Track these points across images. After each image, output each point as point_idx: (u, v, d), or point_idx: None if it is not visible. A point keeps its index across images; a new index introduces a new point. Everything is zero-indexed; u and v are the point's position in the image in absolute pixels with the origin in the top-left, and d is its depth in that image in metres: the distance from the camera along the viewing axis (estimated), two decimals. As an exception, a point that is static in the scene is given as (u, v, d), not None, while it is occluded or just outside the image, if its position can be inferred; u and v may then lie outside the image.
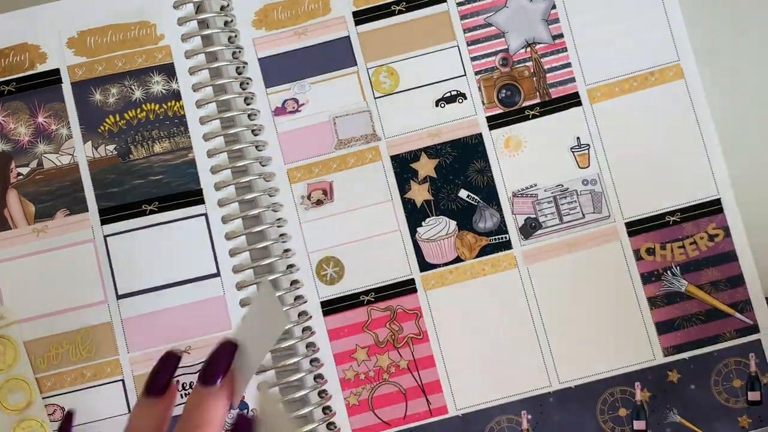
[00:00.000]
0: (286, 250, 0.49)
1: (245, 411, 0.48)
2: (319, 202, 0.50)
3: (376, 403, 0.49)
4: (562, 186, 0.49)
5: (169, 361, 0.39)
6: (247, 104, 0.50)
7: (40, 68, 0.50)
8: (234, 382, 0.38)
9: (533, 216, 0.49)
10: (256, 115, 0.50)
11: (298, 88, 0.50)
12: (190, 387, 0.48)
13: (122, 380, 0.48)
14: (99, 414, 0.48)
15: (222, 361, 0.38)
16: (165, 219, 0.49)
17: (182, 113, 0.50)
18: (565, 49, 0.50)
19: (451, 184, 0.50)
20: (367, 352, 0.49)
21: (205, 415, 0.37)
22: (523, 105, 0.50)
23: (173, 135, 0.50)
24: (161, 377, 0.39)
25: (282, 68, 0.50)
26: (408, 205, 0.50)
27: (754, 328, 0.48)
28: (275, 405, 0.40)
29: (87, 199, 0.49)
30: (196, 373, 0.48)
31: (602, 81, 0.50)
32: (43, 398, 0.48)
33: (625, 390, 0.48)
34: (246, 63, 0.50)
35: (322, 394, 0.48)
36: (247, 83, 0.50)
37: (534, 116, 0.50)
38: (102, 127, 0.50)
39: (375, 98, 0.50)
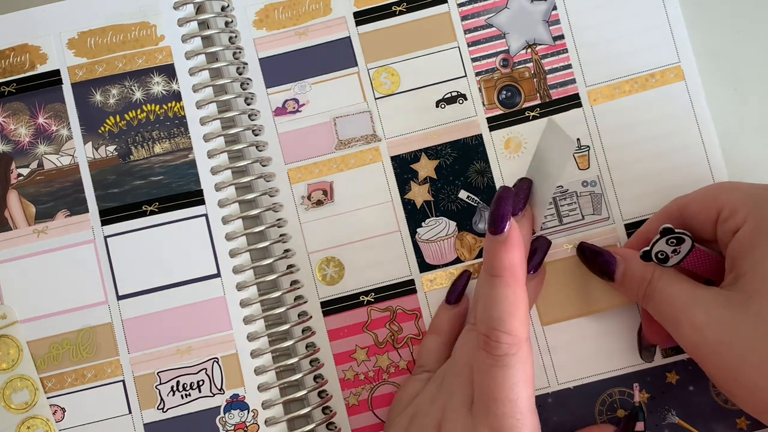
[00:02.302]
0: (287, 251, 0.49)
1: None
2: (319, 203, 0.50)
3: (375, 403, 0.49)
4: (562, 187, 0.49)
5: (462, 279, 0.48)
6: (248, 104, 0.50)
7: (41, 69, 0.50)
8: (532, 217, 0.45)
9: (533, 217, 0.49)
10: (256, 115, 0.50)
11: (298, 88, 0.50)
12: (191, 388, 0.48)
13: (123, 381, 0.48)
14: (99, 414, 0.48)
15: (506, 206, 0.42)
16: (165, 220, 0.49)
17: (182, 114, 0.50)
18: (565, 51, 0.50)
19: (451, 185, 0.50)
20: (366, 352, 0.49)
21: (501, 263, 0.41)
22: (524, 106, 0.50)
23: (173, 136, 0.50)
24: (455, 291, 0.48)
25: (283, 68, 0.50)
26: (408, 206, 0.50)
27: (753, 330, 0.48)
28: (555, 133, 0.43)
29: (87, 199, 0.49)
30: (196, 373, 0.48)
31: (603, 82, 0.50)
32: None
33: (623, 391, 0.48)
34: (246, 63, 0.50)
35: (322, 394, 0.49)
36: (248, 83, 0.50)
37: (534, 117, 0.50)
38: (102, 128, 0.50)
39: (375, 99, 0.50)
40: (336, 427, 0.48)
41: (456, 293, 0.48)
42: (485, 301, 0.41)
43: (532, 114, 0.50)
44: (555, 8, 0.50)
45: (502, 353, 0.40)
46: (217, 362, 0.48)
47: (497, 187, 0.49)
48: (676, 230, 0.41)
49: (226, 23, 0.50)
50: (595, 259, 0.46)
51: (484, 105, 0.50)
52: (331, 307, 0.49)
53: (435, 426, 0.42)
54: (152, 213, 0.49)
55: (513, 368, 0.40)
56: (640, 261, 0.44)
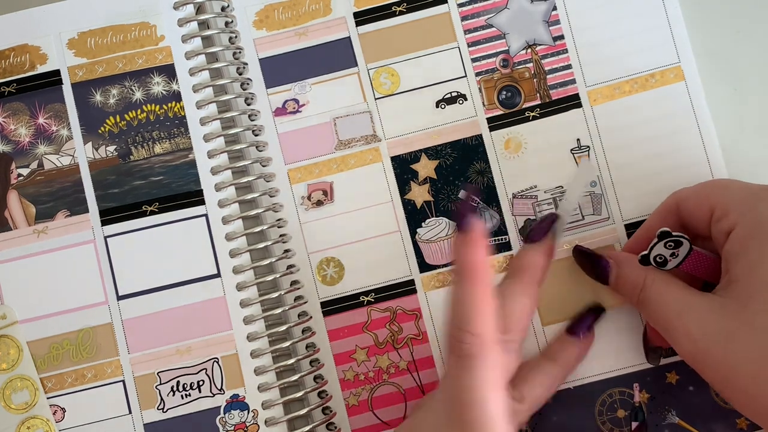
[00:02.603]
0: (287, 251, 0.49)
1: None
2: (319, 203, 0.50)
3: (375, 404, 0.49)
4: (562, 188, 0.49)
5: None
6: (248, 105, 0.50)
7: (41, 69, 0.50)
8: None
9: (533, 217, 0.49)
10: (256, 115, 0.50)
11: (298, 88, 0.50)
12: (191, 388, 0.48)
13: (123, 381, 0.48)
14: (99, 414, 0.48)
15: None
16: (165, 220, 0.49)
17: (183, 114, 0.50)
18: (565, 51, 0.50)
19: (451, 185, 0.50)
20: (366, 352, 0.49)
21: (463, 261, 0.40)
22: (524, 106, 0.50)
23: (174, 136, 0.50)
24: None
25: (283, 69, 0.50)
26: (408, 206, 0.50)
27: (753, 330, 0.48)
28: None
29: (87, 199, 0.49)
30: (197, 373, 0.48)
31: (603, 82, 0.50)
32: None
33: (623, 391, 0.48)
34: (246, 64, 0.50)
35: (322, 394, 0.49)
36: (248, 84, 0.50)
37: (534, 118, 0.50)
38: (102, 128, 0.50)
39: (375, 99, 0.50)
40: (336, 428, 0.48)
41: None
42: (453, 301, 0.40)
43: (532, 114, 0.50)
44: (555, 8, 0.50)
45: (465, 353, 0.38)
46: (217, 362, 0.48)
47: (497, 187, 0.49)
48: (674, 233, 0.41)
49: (226, 23, 0.50)
50: (588, 263, 0.46)
51: (484, 105, 0.50)
52: (331, 307, 0.49)
53: None
54: (152, 213, 0.49)
55: (477, 370, 0.38)
56: (634, 265, 0.43)
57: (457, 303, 0.39)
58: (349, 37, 0.50)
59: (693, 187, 0.44)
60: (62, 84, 0.50)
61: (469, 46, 0.50)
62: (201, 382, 0.48)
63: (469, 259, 0.39)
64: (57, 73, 0.50)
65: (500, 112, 0.50)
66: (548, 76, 0.50)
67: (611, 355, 0.48)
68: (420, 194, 0.50)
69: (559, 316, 0.48)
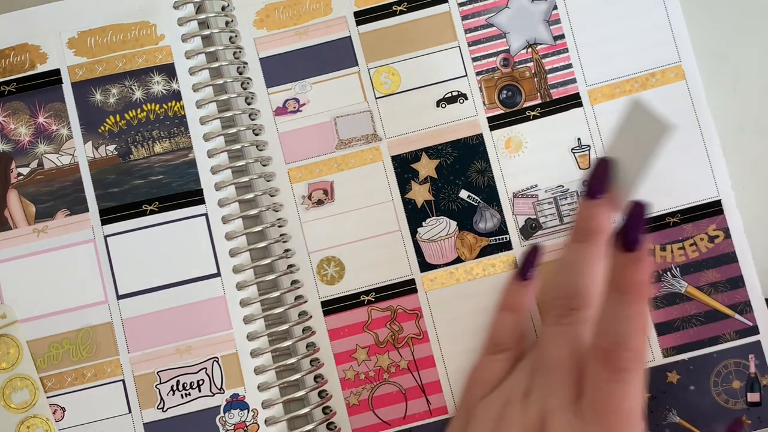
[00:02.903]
0: (287, 250, 0.49)
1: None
2: (319, 202, 0.50)
3: (376, 403, 0.49)
4: (563, 187, 0.49)
5: (534, 253, 0.47)
6: (248, 104, 0.50)
7: (41, 68, 0.50)
8: (615, 198, 0.43)
9: (534, 217, 0.49)
10: (256, 114, 0.50)
11: (299, 88, 0.50)
12: (191, 387, 0.48)
13: (122, 380, 0.48)
14: (99, 414, 0.48)
15: (603, 179, 0.42)
16: (165, 219, 0.49)
17: (182, 113, 0.50)
18: (566, 50, 0.50)
19: (451, 184, 0.50)
20: (367, 352, 0.49)
21: (593, 224, 0.42)
22: (524, 106, 0.50)
23: (173, 135, 0.50)
24: (528, 266, 0.47)
25: (283, 68, 0.50)
26: (408, 206, 0.50)
27: (754, 330, 0.48)
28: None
29: (87, 199, 0.49)
30: (196, 372, 0.48)
31: (603, 82, 0.50)
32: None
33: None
34: (246, 63, 0.50)
35: (322, 393, 0.48)
36: (248, 83, 0.50)
37: (535, 117, 0.50)
38: (102, 128, 0.50)
39: (376, 98, 0.50)
40: (336, 427, 0.48)
41: (529, 268, 0.47)
42: (612, 316, 0.40)
43: (532, 113, 0.50)
44: (555, 8, 0.50)
45: (623, 369, 0.39)
46: (217, 362, 0.48)
47: (498, 186, 0.49)
48: None
49: (227, 23, 0.50)
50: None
51: (484, 104, 0.50)
52: (331, 306, 0.49)
53: (536, 421, 0.41)
54: (152, 212, 0.49)
55: (631, 384, 0.39)
56: None
57: (619, 320, 0.40)
58: (349, 37, 0.50)
59: None
60: (62, 83, 0.50)
61: (469, 45, 0.50)
62: (201, 382, 0.48)
63: (638, 277, 0.40)
64: (57, 72, 0.50)
65: (501, 112, 0.50)
66: (549, 76, 0.50)
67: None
68: (420, 193, 0.50)
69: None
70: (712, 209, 0.49)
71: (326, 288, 0.49)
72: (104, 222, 0.49)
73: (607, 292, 0.41)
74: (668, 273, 0.49)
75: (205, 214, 0.49)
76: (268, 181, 0.50)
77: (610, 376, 0.39)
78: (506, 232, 0.49)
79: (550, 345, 0.43)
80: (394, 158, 0.50)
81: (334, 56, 0.50)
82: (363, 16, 0.50)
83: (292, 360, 0.48)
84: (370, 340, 0.49)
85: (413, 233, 0.49)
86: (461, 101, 0.50)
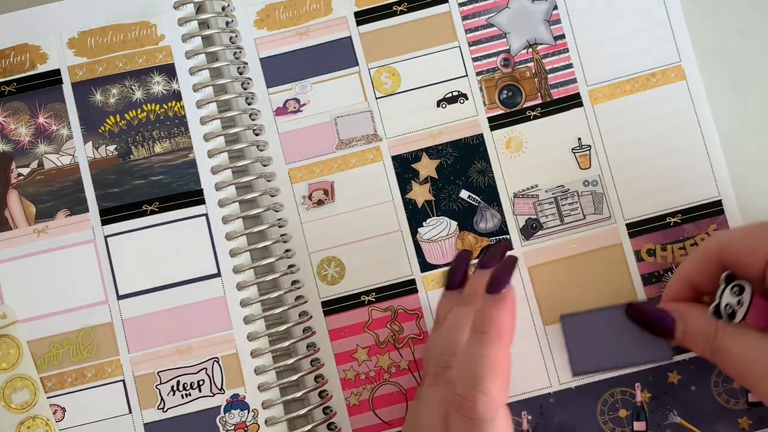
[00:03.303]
0: (287, 251, 0.49)
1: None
2: (320, 202, 0.50)
3: (376, 403, 0.49)
4: (563, 187, 0.49)
5: (462, 259, 0.46)
6: (248, 104, 0.50)
7: (41, 69, 0.50)
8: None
9: (534, 217, 0.49)
10: (257, 115, 0.50)
11: (299, 88, 0.50)
12: (191, 387, 0.48)
13: (123, 380, 0.48)
14: (99, 414, 0.48)
15: (508, 270, 0.42)
16: (165, 219, 0.49)
17: (183, 113, 0.50)
18: (566, 50, 0.50)
19: (452, 184, 0.50)
20: (367, 352, 0.49)
21: (477, 289, 0.42)
22: (525, 106, 0.50)
23: (174, 135, 0.50)
24: (456, 275, 0.45)
25: (283, 68, 0.50)
26: (409, 206, 0.50)
27: (755, 330, 0.48)
28: None
29: (88, 199, 0.49)
30: (197, 372, 0.48)
31: (604, 82, 0.50)
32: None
33: (625, 391, 0.48)
34: (246, 63, 0.50)
35: (323, 394, 0.48)
36: (248, 83, 0.50)
37: (535, 117, 0.50)
38: (102, 128, 0.50)
39: (376, 98, 0.50)
40: (336, 427, 0.48)
41: (458, 277, 0.45)
42: (467, 357, 0.40)
43: (533, 114, 0.50)
44: (556, 8, 0.50)
45: (478, 417, 0.38)
46: (218, 362, 0.48)
47: (498, 186, 0.49)
48: (738, 278, 0.40)
49: (227, 23, 0.50)
50: (650, 322, 0.44)
51: (485, 104, 0.50)
52: (331, 306, 0.49)
53: None
54: (152, 213, 0.49)
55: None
56: (700, 315, 0.42)
57: (474, 361, 0.39)
58: (350, 37, 0.50)
59: (738, 233, 0.42)
60: (62, 83, 0.50)
61: (469, 45, 0.50)
62: (201, 382, 0.48)
63: (497, 318, 0.40)
64: (57, 72, 0.50)
65: (501, 112, 0.50)
66: (549, 76, 0.50)
67: (611, 354, 0.48)
68: (421, 194, 0.50)
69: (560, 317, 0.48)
70: (713, 209, 0.49)
71: (327, 288, 0.49)
72: (104, 222, 0.49)
73: (468, 335, 0.41)
74: (669, 273, 0.49)
75: (206, 215, 0.49)
76: (268, 181, 0.50)
77: (469, 424, 0.38)
78: (507, 232, 0.49)
79: (425, 408, 0.42)
80: (394, 158, 0.50)
81: (335, 56, 0.50)
82: (363, 16, 0.50)
83: (293, 360, 0.48)
84: (370, 341, 0.49)
85: (414, 233, 0.49)
86: (462, 101, 0.50)
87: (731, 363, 0.41)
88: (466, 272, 0.45)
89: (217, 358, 0.48)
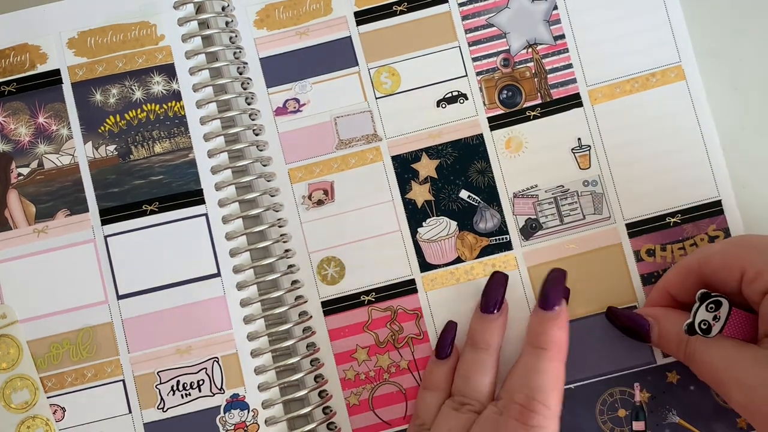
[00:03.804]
0: (287, 250, 0.49)
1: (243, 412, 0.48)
2: (320, 202, 0.50)
3: (376, 403, 0.49)
4: (563, 187, 0.49)
5: (449, 332, 0.47)
6: (248, 104, 0.50)
7: (41, 68, 0.50)
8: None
9: (534, 217, 0.49)
10: (256, 115, 0.50)
11: (299, 88, 0.50)
12: (190, 387, 0.48)
13: (123, 380, 0.48)
14: (99, 414, 0.48)
15: (497, 296, 0.46)
16: (165, 219, 0.49)
17: (183, 113, 0.50)
18: (566, 50, 0.50)
19: (451, 184, 0.50)
20: (367, 352, 0.49)
21: (488, 338, 0.46)
22: (525, 106, 0.50)
23: (174, 135, 0.50)
24: (444, 346, 0.47)
25: (283, 68, 0.50)
26: (409, 206, 0.50)
27: (754, 330, 0.48)
28: None
29: (87, 199, 0.49)
30: (197, 372, 0.48)
31: (603, 82, 0.50)
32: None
33: (624, 391, 0.48)
34: (246, 63, 0.50)
35: (323, 393, 0.48)
36: (248, 83, 0.50)
37: (535, 117, 0.50)
38: (102, 128, 0.50)
39: (376, 98, 0.50)
40: (336, 427, 0.48)
41: (446, 348, 0.47)
42: (528, 371, 0.42)
43: (533, 114, 0.50)
44: (556, 8, 0.50)
45: (536, 424, 0.41)
46: (217, 362, 0.48)
47: (498, 186, 0.49)
48: (713, 294, 0.41)
49: (227, 23, 0.50)
50: (626, 325, 0.46)
51: (484, 104, 0.50)
52: (331, 306, 0.49)
53: None
54: (152, 212, 0.49)
55: None
56: (675, 320, 0.44)
57: (536, 374, 0.42)
58: (349, 37, 0.50)
59: (716, 247, 0.44)
60: (62, 83, 0.50)
61: (469, 45, 0.50)
62: (201, 382, 0.48)
63: (557, 335, 0.43)
64: (57, 72, 0.50)
65: (501, 112, 0.50)
66: (549, 76, 0.50)
67: (612, 355, 0.48)
68: (421, 194, 0.50)
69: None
70: (713, 209, 0.49)
71: (326, 288, 0.49)
72: (104, 222, 0.49)
73: (525, 349, 0.44)
74: (668, 273, 0.49)
75: (205, 214, 0.49)
76: (268, 181, 0.50)
77: (519, 429, 0.41)
78: (506, 232, 0.49)
79: (446, 423, 0.44)
80: (394, 158, 0.50)
81: (335, 56, 0.50)
82: (363, 16, 0.50)
83: (293, 360, 0.48)
84: (370, 340, 0.49)
85: (413, 233, 0.49)
86: (461, 101, 0.50)
87: (702, 369, 0.43)
88: (453, 342, 0.47)
89: (216, 357, 0.48)
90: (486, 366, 0.45)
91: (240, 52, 0.50)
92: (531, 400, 0.41)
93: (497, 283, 0.47)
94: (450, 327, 0.48)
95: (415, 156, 0.50)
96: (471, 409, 0.44)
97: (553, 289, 0.44)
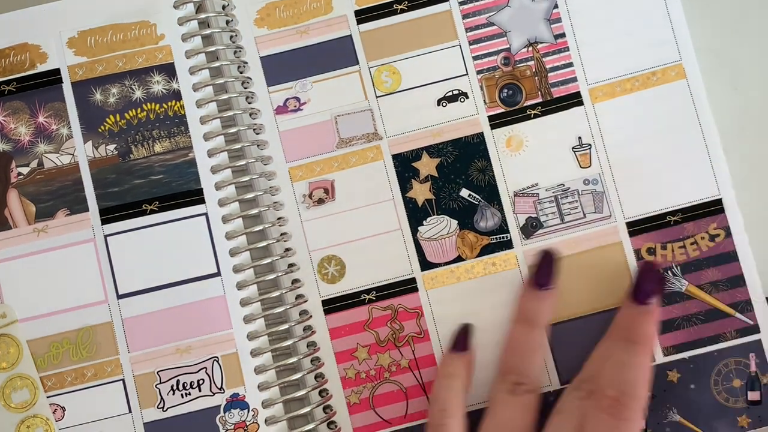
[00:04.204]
0: (287, 249, 0.49)
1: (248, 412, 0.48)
2: (320, 201, 0.50)
3: (377, 402, 0.49)
4: (564, 186, 0.49)
5: (465, 331, 0.48)
6: (249, 103, 0.50)
7: (41, 68, 0.50)
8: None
9: (534, 215, 0.49)
10: (257, 114, 0.50)
11: (299, 86, 0.50)
12: (191, 387, 0.48)
13: (122, 380, 0.48)
14: (99, 414, 0.48)
15: (549, 272, 0.47)
16: (165, 219, 0.49)
17: (183, 113, 0.50)
18: (567, 49, 0.50)
19: (452, 183, 0.50)
20: (368, 350, 0.49)
21: (539, 315, 0.47)
22: (525, 104, 0.50)
23: (174, 134, 0.49)
24: (462, 341, 0.47)
25: (284, 67, 0.50)
26: (409, 204, 0.50)
27: (755, 329, 0.48)
28: None
29: (87, 198, 0.49)
30: (196, 372, 0.48)
31: (604, 80, 0.50)
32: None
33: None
34: (246, 62, 0.50)
35: (323, 393, 0.48)
36: (249, 82, 0.50)
37: (536, 116, 0.50)
38: (102, 127, 0.49)
39: (377, 97, 0.50)
40: (336, 426, 0.48)
41: (464, 342, 0.47)
42: (621, 365, 0.43)
43: (533, 112, 0.50)
44: (556, 6, 0.50)
45: (627, 418, 0.41)
46: (217, 361, 0.48)
47: (499, 185, 0.49)
48: None
49: (227, 22, 0.50)
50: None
51: (485, 103, 0.50)
52: (332, 305, 0.49)
53: None
54: (152, 212, 0.49)
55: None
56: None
57: (628, 368, 0.43)
58: (350, 35, 0.50)
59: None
60: (62, 83, 0.50)
61: (470, 44, 0.50)
62: (201, 381, 0.48)
63: (650, 329, 0.44)
64: (57, 71, 0.50)
65: (501, 110, 0.50)
66: (549, 74, 0.50)
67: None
68: (421, 192, 0.50)
69: (561, 314, 0.48)
70: (713, 208, 0.49)
71: (327, 287, 0.49)
72: (104, 221, 0.49)
73: (614, 342, 0.44)
74: (669, 272, 0.49)
75: (205, 214, 0.49)
76: (268, 180, 0.50)
77: (614, 424, 0.41)
78: (507, 231, 0.49)
79: (500, 417, 0.45)
80: (394, 157, 0.50)
81: (335, 55, 0.50)
82: (364, 15, 0.50)
83: (293, 359, 0.48)
84: (370, 339, 0.49)
85: (414, 232, 0.49)
86: (462, 100, 0.50)
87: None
88: (470, 338, 0.48)
89: (216, 357, 0.48)
90: (540, 344, 0.47)
91: (240, 51, 0.50)
92: (624, 394, 0.42)
93: (549, 258, 0.47)
94: (465, 329, 0.48)
95: (416, 155, 0.50)
96: (527, 389, 0.45)
97: (648, 283, 0.45)
